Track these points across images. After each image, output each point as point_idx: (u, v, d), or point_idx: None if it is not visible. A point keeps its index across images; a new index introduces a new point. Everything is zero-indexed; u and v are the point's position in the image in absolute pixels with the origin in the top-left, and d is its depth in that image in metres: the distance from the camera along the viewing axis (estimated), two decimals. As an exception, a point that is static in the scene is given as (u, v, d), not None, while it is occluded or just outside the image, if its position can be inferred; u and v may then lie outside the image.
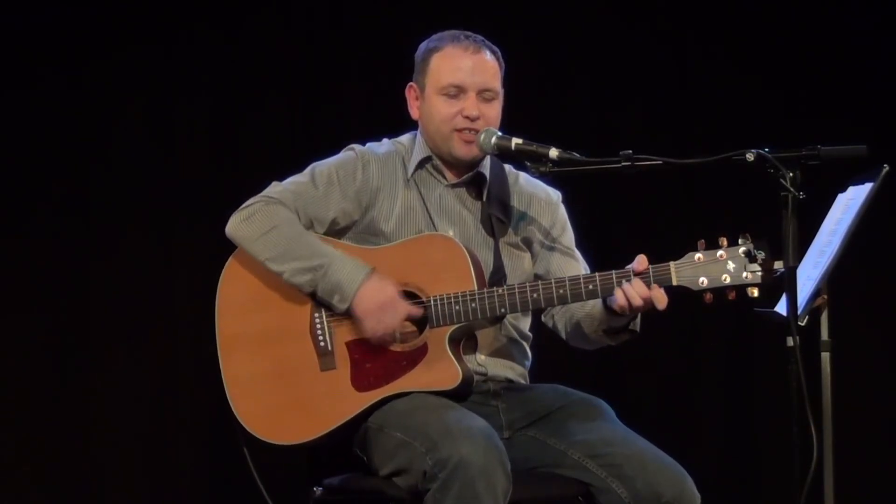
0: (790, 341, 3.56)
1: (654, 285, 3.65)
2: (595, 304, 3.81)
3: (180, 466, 5.70)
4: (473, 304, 3.73)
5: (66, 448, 5.61)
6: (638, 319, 3.80)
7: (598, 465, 3.72)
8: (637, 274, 3.67)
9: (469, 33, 3.93)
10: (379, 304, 3.74)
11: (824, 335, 4.37)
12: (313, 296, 3.81)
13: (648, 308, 3.67)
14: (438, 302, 3.74)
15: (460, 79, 3.88)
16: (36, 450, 5.60)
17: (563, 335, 3.97)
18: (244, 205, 3.88)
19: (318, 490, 3.88)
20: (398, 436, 3.65)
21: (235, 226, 3.86)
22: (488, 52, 3.91)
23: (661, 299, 3.65)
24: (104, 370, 5.65)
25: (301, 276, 3.80)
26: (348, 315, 3.79)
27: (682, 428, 5.90)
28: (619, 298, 3.66)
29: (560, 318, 3.95)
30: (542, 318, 4.00)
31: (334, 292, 3.77)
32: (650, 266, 3.67)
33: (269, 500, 3.85)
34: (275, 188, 3.90)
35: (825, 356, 4.35)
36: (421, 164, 3.95)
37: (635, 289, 3.65)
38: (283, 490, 3.91)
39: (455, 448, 3.52)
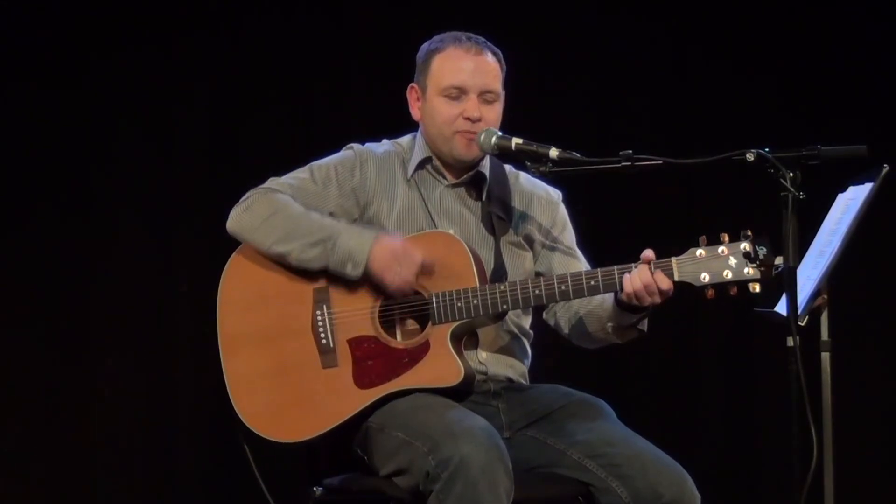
0: (790, 341, 3.56)
1: (657, 271, 3.65)
2: (602, 302, 3.82)
3: (180, 466, 5.70)
4: (475, 301, 3.74)
5: (65, 447, 5.61)
6: (646, 319, 3.80)
7: (598, 465, 3.72)
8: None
9: (471, 34, 3.93)
10: (393, 254, 3.74)
11: (824, 335, 4.37)
12: (318, 283, 3.80)
13: (652, 295, 3.66)
14: (440, 299, 3.74)
15: (462, 80, 3.88)
16: (36, 449, 5.60)
17: (566, 332, 3.97)
18: (242, 198, 3.89)
19: (318, 490, 3.88)
20: (399, 436, 3.65)
21: (236, 218, 3.86)
22: (490, 54, 3.91)
23: (663, 280, 3.64)
24: (104, 369, 5.65)
25: (310, 250, 3.79)
26: (363, 281, 3.78)
27: (682, 428, 5.90)
28: (626, 286, 3.66)
29: (562, 316, 3.96)
30: (544, 316, 4.00)
31: (346, 261, 3.77)
32: (652, 261, 3.67)
33: (270, 499, 3.85)
34: (273, 181, 3.90)
35: (825, 356, 4.36)
36: (421, 165, 3.95)
37: (639, 274, 3.65)
38: (283, 490, 3.91)
39: (457, 448, 3.52)
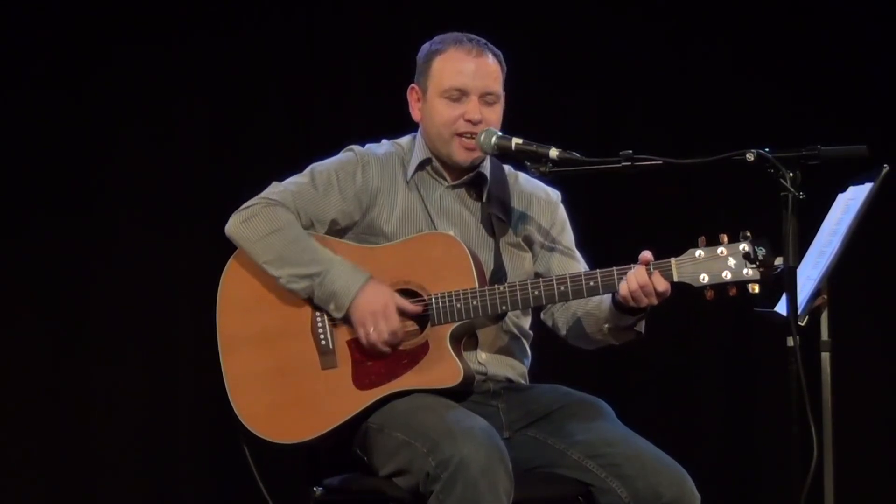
0: (790, 341, 3.56)
1: (655, 272, 3.65)
2: (600, 303, 3.83)
3: (180, 466, 5.70)
4: (475, 302, 3.74)
5: (66, 447, 5.61)
6: (643, 321, 3.80)
7: (598, 465, 3.72)
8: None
9: (472, 36, 3.92)
10: (373, 312, 3.74)
11: (824, 335, 4.37)
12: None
13: (649, 296, 3.66)
14: (440, 300, 3.74)
15: (462, 82, 3.87)
16: (36, 449, 5.60)
17: (563, 332, 3.97)
18: (244, 205, 3.87)
19: (318, 490, 3.88)
20: (399, 436, 3.65)
21: (235, 226, 3.86)
22: (491, 56, 3.91)
23: (660, 282, 3.65)
24: (104, 369, 5.65)
25: (298, 282, 3.80)
26: (345, 321, 3.80)
27: (682, 428, 5.90)
28: (621, 288, 3.67)
29: (560, 316, 3.96)
30: (542, 316, 4.00)
31: (330, 301, 3.78)
32: (651, 262, 3.67)
33: (269, 500, 3.85)
34: (275, 188, 3.89)
35: (825, 356, 4.35)
36: (421, 166, 3.95)
37: (636, 275, 3.65)
38: (283, 490, 3.91)
39: (457, 448, 3.52)
